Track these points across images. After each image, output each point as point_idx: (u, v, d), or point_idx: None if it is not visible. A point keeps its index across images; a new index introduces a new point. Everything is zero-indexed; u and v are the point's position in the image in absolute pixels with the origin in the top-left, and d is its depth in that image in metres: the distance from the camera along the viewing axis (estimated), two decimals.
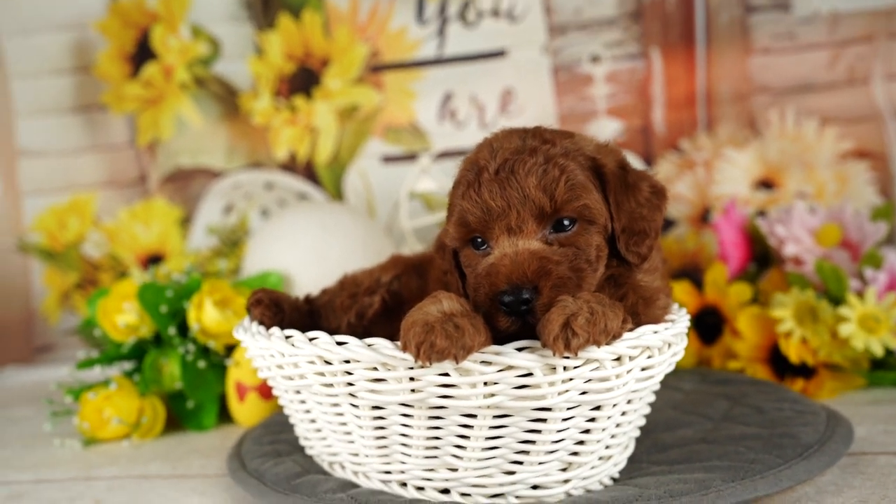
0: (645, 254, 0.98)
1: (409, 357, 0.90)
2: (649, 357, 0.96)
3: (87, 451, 1.38)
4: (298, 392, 1.06)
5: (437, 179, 1.75)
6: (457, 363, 0.87)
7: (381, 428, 0.99)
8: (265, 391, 1.43)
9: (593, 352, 0.90)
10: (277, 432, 1.27)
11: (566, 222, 0.95)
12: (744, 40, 1.77)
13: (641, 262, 0.99)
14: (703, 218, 1.83)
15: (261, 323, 1.10)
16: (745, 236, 1.56)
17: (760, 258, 1.57)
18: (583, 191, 0.94)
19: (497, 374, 0.90)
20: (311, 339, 0.98)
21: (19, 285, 2.05)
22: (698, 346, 1.51)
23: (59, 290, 2.04)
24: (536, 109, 1.81)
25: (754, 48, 1.77)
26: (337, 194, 1.94)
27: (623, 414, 1.00)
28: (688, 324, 1.02)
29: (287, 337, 1.01)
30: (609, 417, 0.97)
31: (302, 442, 1.16)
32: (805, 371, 1.36)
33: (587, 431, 0.97)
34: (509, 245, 0.94)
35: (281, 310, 1.13)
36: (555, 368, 0.91)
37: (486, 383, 0.91)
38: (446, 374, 0.91)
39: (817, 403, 1.21)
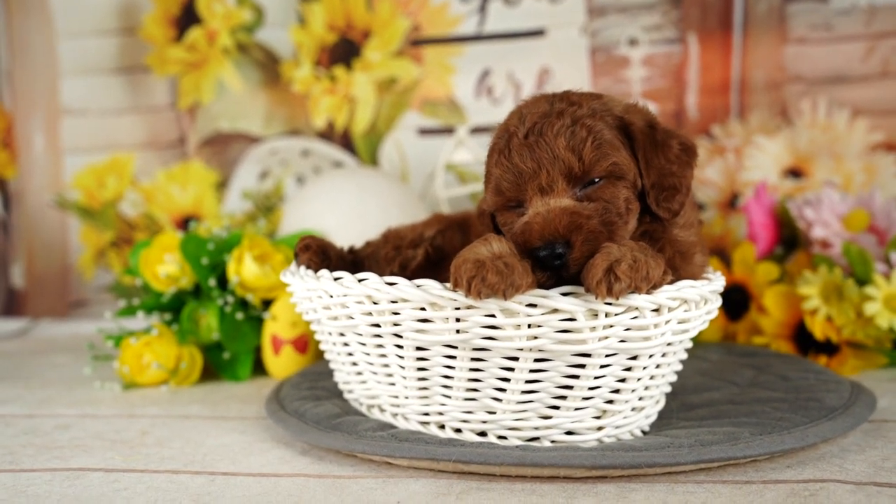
0: (677, 209, 1.01)
1: (457, 297, 0.94)
2: (686, 310, 0.99)
3: (126, 393, 1.42)
4: (342, 334, 1.10)
5: (473, 151, 1.79)
6: (505, 299, 0.91)
7: (424, 369, 1.03)
8: (300, 345, 1.47)
9: (634, 299, 0.94)
10: (314, 380, 1.31)
11: (596, 180, 0.98)
12: (780, 29, 1.80)
13: (673, 217, 1.02)
14: (731, 203, 1.86)
15: (308, 267, 1.14)
16: (774, 219, 1.59)
17: (788, 241, 1.60)
18: (610, 149, 0.97)
19: (541, 316, 0.93)
20: (360, 280, 1.02)
21: (57, 241, 2.10)
22: (724, 322, 1.54)
23: (94, 247, 2.09)
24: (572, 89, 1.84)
25: (790, 37, 1.80)
26: (372, 164, 1.98)
27: (657, 367, 1.03)
28: (723, 282, 1.05)
29: (336, 278, 1.05)
30: (644, 368, 1.01)
31: (341, 386, 1.20)
32: (828, 348, 1.39)
33: (623, 380, 1.01)
34: (542, 204, 0.97)
35: (327, 257, 1.17)
36: (597, 314, 0.94)
37: (530, 326, 0.94)
38: (492, 316, 0.94)
39: (841, 376, 1.25)
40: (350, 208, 1.63)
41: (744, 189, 1.83)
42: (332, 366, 1.19)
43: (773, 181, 1.81)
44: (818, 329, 1.36)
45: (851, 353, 1.37)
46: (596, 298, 0.91)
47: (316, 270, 1.12)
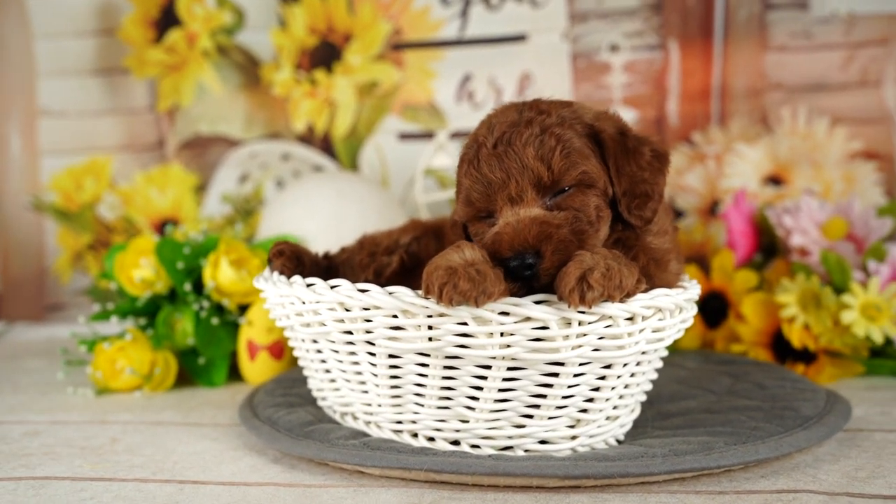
0: (649, 217, 1.00)
1: (429, 304, 0.93)
2: (661, 319, 0.98)
3: (99, 399, 1.41)
4: (315, 341, 1.09)
5: (453, 156, 1.78)
6: (477, 307, 0.90)
7: (397, 377, 1.02)
8: (276, 351, 1.45)
9: (607, 308, 0.93)
10: (289, 387, 1.30)
11: (566, 189, 0.97)
12: (761, 37, 1.80)
13: (646, 225, 1.01)
14: (711, 210, 1.86)
15: (281, 273, 1.13)
16: (753, 226, 1.59)
17: (767, 249, 1.60)
18: (579, 157, 0.97)
19: (514, 324, 0.93)
20: (332, 287, 1.01)
21: (33, 243, 2.08)
22: (702, 330, 1.54)
23: (71, 250, 2.07)
24: (553, 94, 1.84)
25: (771, 45, 1.80)
26: (352, 168, 1.97)
27: (632, 375, 1.03)
28: (699, 291, 1.05)
29: (308, 285, 1.04)
30: (619, 377, 1.00)
31: (315, 394, 1.18)
32: (806, 356, 1.39)
33: (597, 389, 1.00)
34: (511, 214, 0.96)
35: (301, 263, 1.16)
36: (570, 323, 0.93)
37: (502, 334, 0.93)
38: (464, 324, 0.94)
39: (817, 384, 1.24)
40: (329, 213, 1.61)
41: (724, 196, 1.83)
42: (305, 373, 1.18)
43: (753, 189, 1.82)
44: (795, 337, 1.35)
45: (828, 362, 1.37)
46: (569, 307, 0.91)
47: (289, 276, 1.11)
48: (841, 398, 1.16)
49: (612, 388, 1.01)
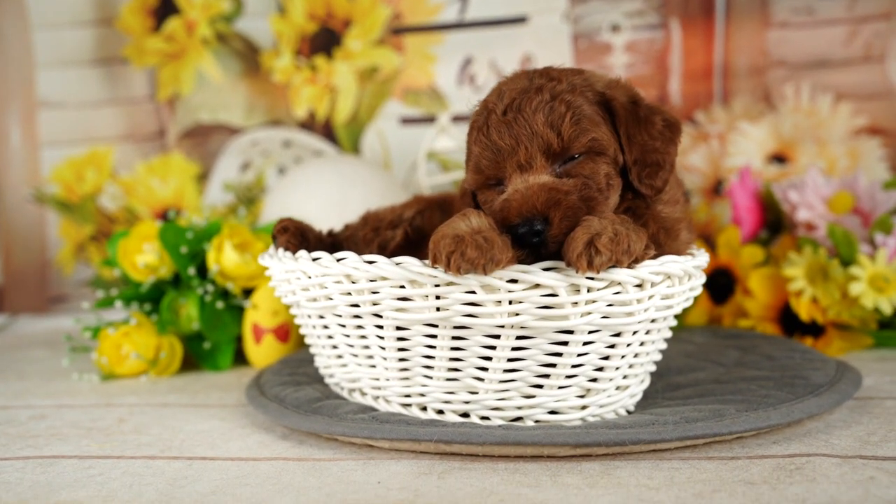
0: (660, 186, 1.00)
1: (436, 274, 0.92)
2: (670, 286, 0.98)
3: (105, 384, 1.40)
4: (322, 317, 1.08)
5: (455, 139, 1.77)
6: (485, 274, 0.89)
7: (404, 350, 1.01)
8: (281, 334, 1.45)
9: (616, 273, 0.92)
10: (295, 367, 1.29)
11: (576, 156, 0.97)
12: (762, 14, 1.79)
13: (656, 195, 1.00)
14: (715, 190, 1.85)
15: (286, 249, 1.12)
16: (759, 202, 1.58)
17: (772, 225, 1.59)
18: (590, 124, 0.96)
19: (522, 292, 0.92)
20: (338, 260, 1.01)
21: (35, 236, 2.07)
22: (710, 306, 1.53)
23: (73, 242, 2.06)
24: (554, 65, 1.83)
25: (772, 22, 1.79)
26: (354, 154, 1.96)
27: (641, 344, 1.02)
28: (707, 259, 1.04)
29: (314, 259, 1.03)
30: (628, 345, 0.99)
31: (322, 371, 1.18)
32: (814, 330, 1.38)
33: (606, 358, 0.99)
34: (521, 181, 0.96)
35: (306, 239, 1.15)
36: (579, 289, 0.93)
37: (511, 302, 0.93)
38: (472, 292, 0.93)
39: (826, 355, 1.24)
40: (332, 197, 1.61)
41: (728, 175, 1.82)
42: (312, 350, 1.18)
43: (757, 167, 1.81)
44: (804, 310, 1.35)
45: (837, 334, 1.36)
46: (577, 272, 0.90)
47: (294, 252, 1.10)
48: (851, 367, 1.15)
49: (622, 357, 1.00)
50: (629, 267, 0.93)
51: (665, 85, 1.85)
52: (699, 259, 1.02)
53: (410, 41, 1.92)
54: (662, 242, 1.00)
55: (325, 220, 1.52)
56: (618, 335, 0.98)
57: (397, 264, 0.96)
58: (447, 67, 1.91)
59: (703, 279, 1.04)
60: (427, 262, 0.94)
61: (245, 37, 1.97)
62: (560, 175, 0.96)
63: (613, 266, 0.92)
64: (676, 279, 0.98)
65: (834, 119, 1.78)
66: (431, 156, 1.86)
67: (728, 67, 1.82)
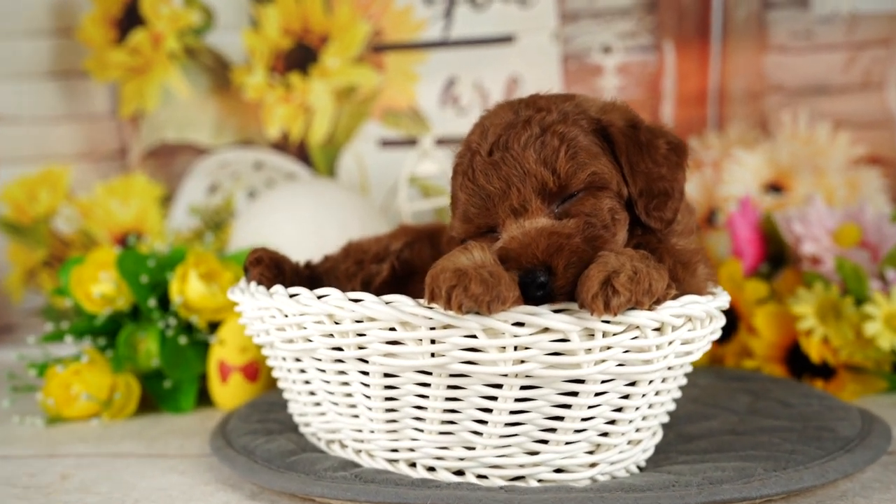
0: (670, 217, 0.90)
1: (432, 315, 0.82)
2: (691, 329, 0.88)
3: (50, 429, 1.27)
4: (299, 360, 0.97)
5: (438, 163, 1.67)
6: (490, 314, 0.79)
7: (393, 399, 0.90)
8: (250, 372, 1.33)
9: (634, 316, 0.82)
10: (266, 411, 1.18)
11: (575, 193, 0.87)
12: (760, 37, 1.72)
13: (667, 227, 0.91)
14: (708, 220, 1.77)
15: (259, 283, 1.01)
16: (760, 234, 1.49)
17: (774, 258, 1.51)
18: (587, 156, 0.87)
19: (530, 337, 0.82)
20: (319, 297, 0.89)
21: None
22: (712, 344, 1.44)
23: (24, 267, 1.92)
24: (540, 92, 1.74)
25: (770, 45, 1.72)
26: (330, 177, 1.85)
27: (657, 393, 0.92)
28: (729, 298, 0.94)
29: (292, 295, 0.92)
30: (643, 395, 0.89)
31: (296, 419, 1.06)
32: (824, 371, 1.29)
33: (619, 410, 0.89)
34: (516, 227, 0.86)
35: (281, 272, 1.04)
36: (593, 334, 0.83)
37: (516, 347, 0.82)
38: (473, 336, 0.82)
39: (845, 401, 1.15)
40: (306, 223, 1.49)
41: (722, 204, 1.74)
42: (286, 395, 1.06)
43: (752, 196, 1.72)
44: (815, 351, 1.26)
45: (850, 377, 1.27)
46: (591, 315, 0.80)
47: (269, 286, 0.99)
48: (877, 417, 1.06)
49: (636, 409, 0.90)
50: (649, 309, 0.83)
51: (658, 109, 1.76)
52: (721, 299, 0.92)
53: (391, 59, 1.82)
54: (681, 279, 0.90)
55: (301, 248, 1.41)
56: (633, 384, 0.88)
57: (387, 303, 0.85)
58: (430, 87, 1.81)
59: (722, 321, 0.94)
60: (422, 301, 0.83)
61: (215, 51, 1.85)
62: (559, 216, 0.87)
63: (633, 308, 0.82)
64: (698, 322, 0.88)
65: (833, 147, 1.70)
66: (413, 180, 1.75)
67: (724, 92, 1.74)
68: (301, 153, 1.85)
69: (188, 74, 1.85)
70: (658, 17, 1.74)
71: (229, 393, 1.33)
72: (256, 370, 1.33)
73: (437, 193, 1.75)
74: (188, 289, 1.33)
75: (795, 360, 1.33)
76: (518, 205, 0.86)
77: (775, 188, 1.73)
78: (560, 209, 0.87)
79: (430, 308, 0.82)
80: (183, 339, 1.33)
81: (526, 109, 0.91)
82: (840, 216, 1.45)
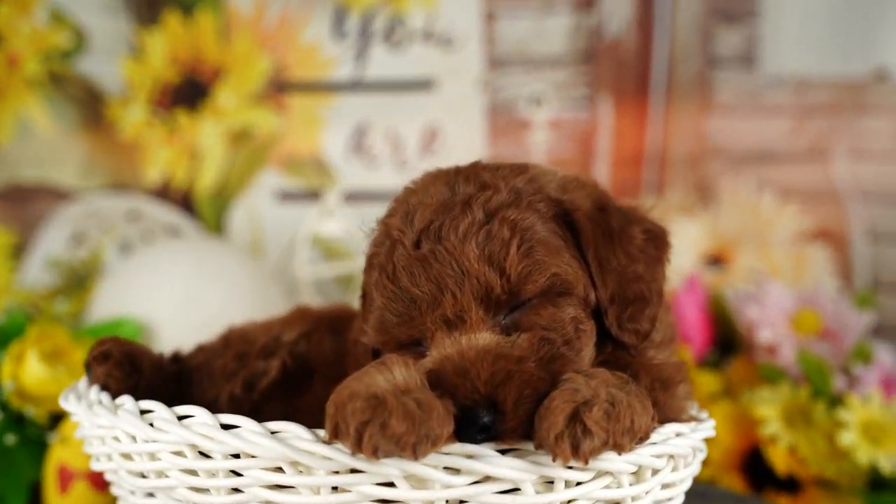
0: (647, 329, 0.71)
1: (333, 454, 0.59)
2: (673, 470, 0.68)
3: None
4: (152, 495, 0.72)
5: (345, 222, 1.45)
6: (415, 458, 0.57)
7: None
8: (99, 479, 1.05)
9: (608, 461, 0.62)
10: None
11: (528, 300, 0.67)
12: (703, 96, 1.57)
13: (643, 342, 0.71)
14: None
15: (104, 387, 0.76)
16: (708, 316, 1.33)
17: (723, 343, 1.34)
18: (546, 253, 0.67)
19: (467, 487, 0.60)
20: (180, 418, 0.65)
21: None
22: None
23: None
24: (464, 152, 1.54)
25: (715, 106, 1.58)
26: (219, 232, 1.60)
27: None
28: (714, 424, 0.75)
29: (143, 412, 0.68)
30: None
31: None
32: (789, 484, 1.12)
33: None
34: (449, 344, 0.65)
35: (137, 369, 0.79)
36: (552, 483, 0.61)
37: (447, 502, 0.60)
38: (390, 485, 0.60)
39: None
40: (185, 291, 1.24)
41: None
42: None
43: (689, 269, 1.56)
44: (781, 462, 1.08)
45: (819, 494, 1.10)
46: (554, 461, 0.59)
47: (116, 392, 0.74)
48: None
49: None
50: (628, 451, 0.62)
51: (590, 169, 1.60)
52: (706, 426, 0.73)
53: (295, 100, 1.60)
54: (660, 402, 0.70)
55: (172, 322, 1.18)
56: None
57: (274, 434, 0.62)
58: (337, 134, 1.59)
59: (704, 454, 0.75)
60: (321, 432, 0.61)
61: (87, 80, 1.58)
62: (507, 329, 0.66)
63: (610, 451, 0.61)
64: (681, 460, 0.68)
65: (779, 218, 1.56)
66: (315, 241, 1.52)
67: (665, 154, 1.59)
68: (185, 203, 1.60)
69: (52, 105, 1.58)
70: (595, 67, 1.58)
71: None
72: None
73: (343, 257, 1.52)
74: (25, 372, 1.08)
75: (755, 469, 1.15)
76: (453, 315, 0.65)
77: (715, 260, 1.58)
78: (508, 320, 0.66)
79: (332, 445, 0.60)
80: (11, 438, 1.06)
81: (465, 185, 0.70)
82: (792, 298, 1.30)
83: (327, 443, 0.60)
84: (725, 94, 1.58)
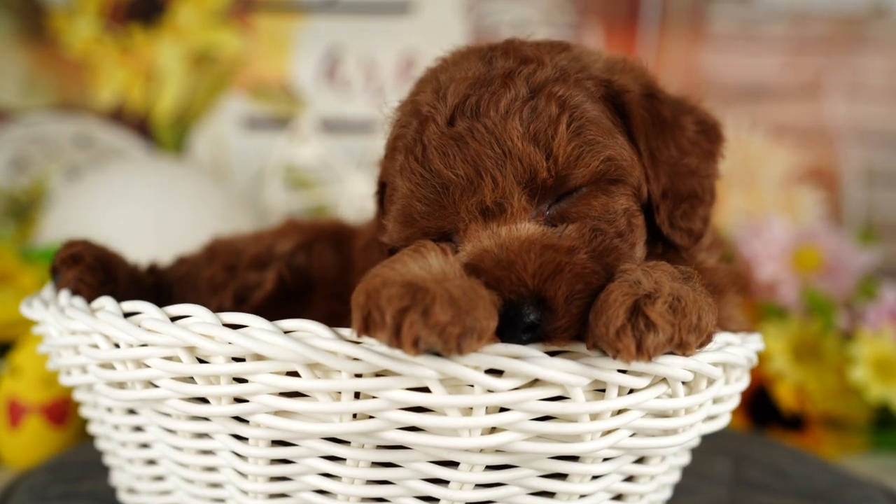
0: (700, 229, 0.65)
1: (362, 353, 0.51)
2: (726, 383, 0.61)
3: None
4: (133, 412, 0.63)
5: (321, 149, 1.35)
6: (460, 354, 0.49)
7: (283, 480, 0.59)
8: (56, 413, 0.96)
9: (667, 365, 0.55)
10: (73, 479, 0.82)
11: (577, 188, 0.59)
12: (697, 28, 1.51)
13: (695, 243, 0.65)
14: None
15: (75, 292, 0.66)
16: None
17: None
18: (600, 134, 0.60)
19: (511, 393, 0.52)
20: (174, 318, 0.57)
21: None
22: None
23: None
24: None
25: (708, 38, 1.51)
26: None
27: (665, 473, 0.65)
28: (761, 336, 0.69)
29: (128, 314, 0.59)
30: (652, 477, 0.62)
31: (123, 497, 0.71)
32: (793, 422, 1.07)
33: (619, 497, 0.61)
34: (488, 236, 0.58)
35: (112, 277, 0.70)
36: (604, 391, 0.54)
37: (488, 408, 0.53)
38: (424, 390, 0.52)
39: (843, 467, 0.92)
40: (147, 212, 1.14)
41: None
42: (109, 460, 0.71)
43: None
44: (788, 399, 1.03)
45: (825, 431, 1.05)
46: (615, 358, 0.52)
47: (90, 298, 0.64)
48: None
49: (641, 497, 0.62)
50: (691, 354, 0.55)
51: None
52: (755, 338, 0.67)
53: (262, 21, 1.48)
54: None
55: (138, 245, 1.06)
56: (640, 461, 0.61)
57: (287, 332, 0.54)
58: (307, 59, 1.49)
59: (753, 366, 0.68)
60: (344, 329, 0.52)
61: None
62: (551, 221, 0.59)
63: (671, 352, 0.54)
64: (734, 372, 0.62)
65: (773, 158, 1.51)
66: (288, 170, 1.42)
67: None
68: (142, 129, 1.48)
69: None
70: None
71: (23, 443, 0.95)
72: (64, 411, 0.96)
73: (316, 186, 1.42)
74: None
75: (759, 406, 1.10)
76: (492, 202, 0.58)
77: None
78: (553, 210, 0.59)
79: (359, 343, 0.52)
80: None
81: (504, 59, 0.62)
82: (792, 235, 1.26)
83: (357, 338, 0.51)
84: (720, 26, 1.51)
